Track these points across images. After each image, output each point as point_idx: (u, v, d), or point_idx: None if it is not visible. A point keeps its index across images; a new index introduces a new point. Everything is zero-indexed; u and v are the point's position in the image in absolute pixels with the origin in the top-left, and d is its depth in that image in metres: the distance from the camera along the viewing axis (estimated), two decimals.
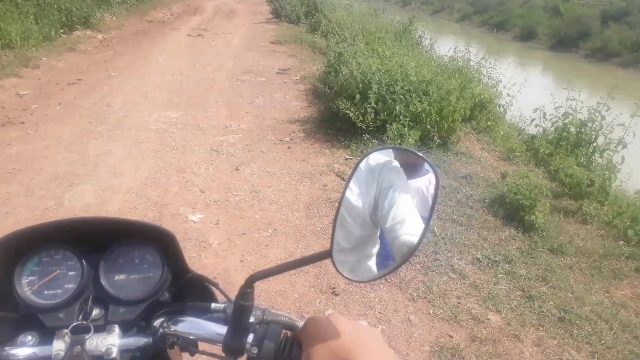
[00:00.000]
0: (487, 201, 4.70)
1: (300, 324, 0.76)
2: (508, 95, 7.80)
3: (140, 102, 7.25)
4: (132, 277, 0.81)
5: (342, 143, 5.86)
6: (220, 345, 0.72)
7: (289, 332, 0.72)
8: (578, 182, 5.08)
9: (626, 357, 2.91)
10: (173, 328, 0.75)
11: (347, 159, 5.47)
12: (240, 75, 9.34)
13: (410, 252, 0.83)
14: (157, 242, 0.82)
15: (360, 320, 1.03)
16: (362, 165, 0.83)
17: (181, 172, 4.99)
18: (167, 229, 0.81)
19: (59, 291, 0.78)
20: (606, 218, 4.70)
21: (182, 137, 5.95)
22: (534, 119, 6.87)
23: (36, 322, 0.76)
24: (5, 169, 4.81)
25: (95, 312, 0.77)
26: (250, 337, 0.70)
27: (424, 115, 5.69)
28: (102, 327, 0.75)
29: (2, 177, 4.67)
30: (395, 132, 5.37)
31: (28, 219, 3.99)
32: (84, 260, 0.80)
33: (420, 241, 0.81)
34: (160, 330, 0.75)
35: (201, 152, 5.56)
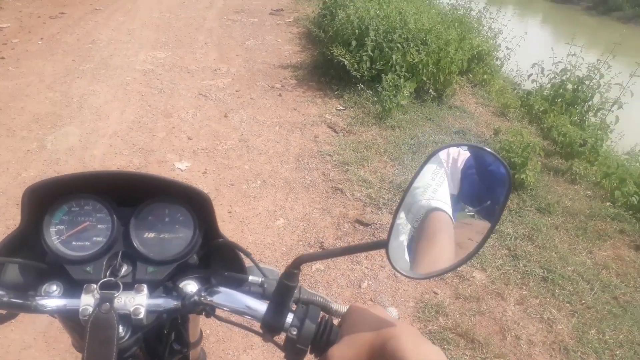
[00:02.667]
0: None
1: (335, 305, 0.76)
2: (507, 48, 7.60)
3: (126, 40, 6.95)
4: (162, 236, 0.78)
5: (335, 92, 5.71)
6: (257, 320, 0.71)
7: (325, 315, 0.71)
8: (570, 141, 5.04)
9: (604, 317, 2.98)
10: (209, 298, 0.73)
11: (339, 110, 5.35)
12: (231, 14, 8.96)
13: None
14: (190, 202, 0.79)
15: (391, 307, 0.98)
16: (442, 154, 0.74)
17: (168, 117, 4.85)
18: (202, 190, 0.76)
19: (88, 243, 0.76)
20: (594, 178, 4.71)
21: (170, 80, 5.75)
22: (531, 74, 6.74)
23: (62, 272, 0.74)
24: None
25: (124, 269, 0.75)
26: (290, 317, 0.69)
27: (420, 66, 5.52)
28: (129, 285, 0.73)
29: None
30: (390, 83, 5.22)
31: (9, 160, 3.87)
32: (114, 214, 0.77)
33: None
34: (195, 297, 0.73)
35: (189, 96, 5.39)
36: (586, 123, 5.95)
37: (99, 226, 0.77)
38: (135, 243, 0.76)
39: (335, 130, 4.89)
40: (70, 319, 0.76)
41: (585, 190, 4.52)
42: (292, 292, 0.70)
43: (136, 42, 6.94)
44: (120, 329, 0.70)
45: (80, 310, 0.69)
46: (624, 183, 4.49)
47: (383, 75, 5.38)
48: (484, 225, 0.70)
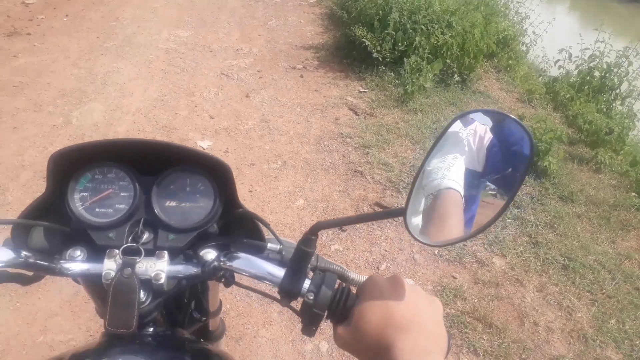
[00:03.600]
0: None
1: (352, 274, 0.78)
2: (534, 33, 7.41)
3: (149, 19, 6.96)
4: (183, 204, 0.80)
5: (357, 74, 5.66)
6: (275, 286, 0.73)
7: (342, 283, 0.72)
8: (596, 129, 4.93)
9: (625, 307, 2.95)
10: (229, 263, 0.75)
11: (361, 92, 5.31)
12: None
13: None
14: (211, 172, 0.81)
15: (407, 279, 1.00)
16: (466, 130, 0.76)
17: (190, 96, 4.88)
18: (223, 160, 0.78)
19: (111, 210, 0.78)
20: (620, 168, 4.61)
21: (192, 59, 5.76)
22: (557, 60, 6.57)
23: (86, 238, 0.76)
24: (12, 82, 4.71)
25: (145, 236, 0.77)
26: (307, 283, 0.70)
27: (445, 49, 5.43)
28: (151, 252, 0.75)
29: (9, 90, 4.58)
30: (413, 66, 5.16)
31: (36, 135, 3.95)
32: (136, 182, 0.80)
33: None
34: (215, 263, 0.75)
35: (211, 75, 5.40)
36: (613, 111, 5.81)
37: (122, 194, 0.79)
38: (157, 211, 0.78)
39: (356, 113, 4.87)
40: (93, 283, 0.79)
41: (610, 179, 4.44)
42: (309, 258, 0.71)
43: (159, 20, 6.95)
44: (142, 293, 0.72)
45: (102, 274, 0.71)
46: None
47: (405, 58, 5.31)
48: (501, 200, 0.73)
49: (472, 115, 0.77)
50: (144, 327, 0.76)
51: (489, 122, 0.81)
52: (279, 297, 0.73)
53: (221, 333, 1.22)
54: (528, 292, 2.95)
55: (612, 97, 5.98)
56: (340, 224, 0.73)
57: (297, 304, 0.72)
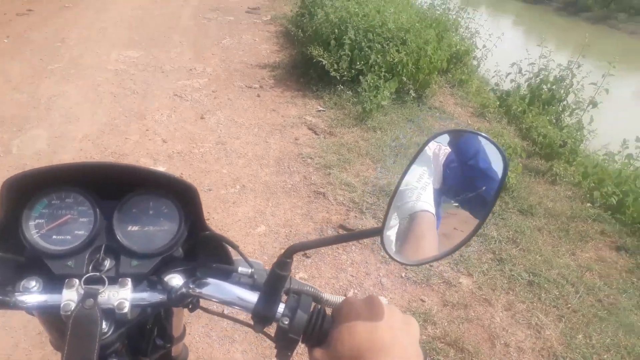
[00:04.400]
0: None
1: (327, 296, 0.75)
2: (484, 47, 7.63)
3: (97, 39, 6.70)
4: (146, 228, 0.76)
5: (315, 93, 5.61)
6: (247, 312, 0.70)
7: (318, 305, 0.70)
8: (550, 142, 5.06)
9: (591, 320, 2.97)
10: (198, 290, 0.71)
11: (319, 111, 5.25)
12: (206, 12, 8.76)
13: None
14: (175, 194, 0.77)
15: (382, 297, 0.97)
16: (426, 149, 0.75)
17: (142, 119, 4.67)
18: (189, 182, 0.74)
19: (69, 237, 0.73)
20: (573, 179, 4.73)
21: (143, 80, 5.55)
22: (509, 73, 6.77)
23: (41, 267, 0.71)
24: None
25: (107, 263, 0.73)
26: (281, 307, 0.68)
27: (400, 66, 5.47)
28: (113, 279, 0.70)
29: None
30: (371, 84, 5.15)
31: None
32: (97, 207, 0.75)
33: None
34: (183, 289, 0.70)
35: (163, 97, 5.21)
36: (562, 123, 6.01)
37: (81, 219, 0.75)
38: (119, 236, 0.74)
39: (315, 132, 4.80)
40: (50, 316, 0.73)
41: (566, 191, 4.54)
42: (284, 282, 0.68)
43: (108, 41, 6.70)
44: (104, 324, 0.67)
45: (61, 305, 0.66)
46: (603, 183, 4.53)
47: (361, 77, 5.30)
48: (469, 215, 0.74)
49: (443, 136, 0.78)
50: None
51: (454, 141, 0.83)
52: (251, 322, 0.70)
53: (184, 359, 1.15)
54: (497, 312, 2.92)
55: (560, 109, 6.19)
56: (315, 245, 0.69)
57: (270, 328, 0.69)
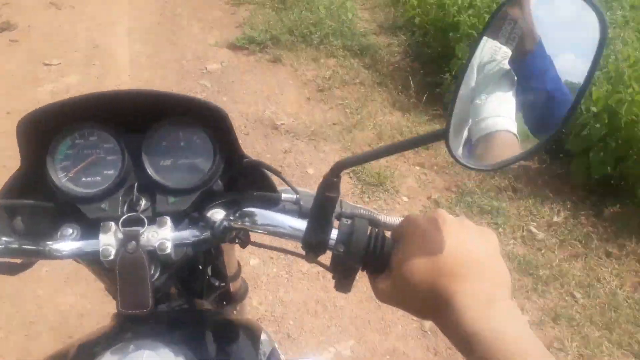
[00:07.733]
0: None
1: (385, 217, 0.68)
2: None
3: None
4: (180, 162, 0.72)
5: None
6: (297, 241, 0.65)
7: (374, 229, 0.63)
8: None
9: None
10: (240, 222, 0.67)
11: None
12: None
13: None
14: (204, 121, 0.71)
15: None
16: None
17: None
18: (218, 105, 0.69)
19: (98, 178, 0.69)
20: None
21: None
22: None
23: (76, 213, 0.68)
24: None
25: (142, 202, 0.69)
26: (334, 233, 0.62)
27: None
28: (151, 220, 0.67)
29: None
30: None
31: None
32: (122, 142, 0.70)
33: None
34: (225, 223, 0.67)
35: None
36: None
37: (108, 158, 0.71)
38: (151, 172, 0.70)
39: None
40: (93, 262, 0.70)
41: None
42: (333, 205, 0.61)
43: None
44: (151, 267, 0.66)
45: (100, 251, 0.63)
46: None
47: None
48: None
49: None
50: (158, 304, 0.70)
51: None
52: (303, 253, 0.65)
53: (244, 294, 1.12)
54: None
55: None
56: (365, 159, 0.61)
57: (325, 258, 0.64)
